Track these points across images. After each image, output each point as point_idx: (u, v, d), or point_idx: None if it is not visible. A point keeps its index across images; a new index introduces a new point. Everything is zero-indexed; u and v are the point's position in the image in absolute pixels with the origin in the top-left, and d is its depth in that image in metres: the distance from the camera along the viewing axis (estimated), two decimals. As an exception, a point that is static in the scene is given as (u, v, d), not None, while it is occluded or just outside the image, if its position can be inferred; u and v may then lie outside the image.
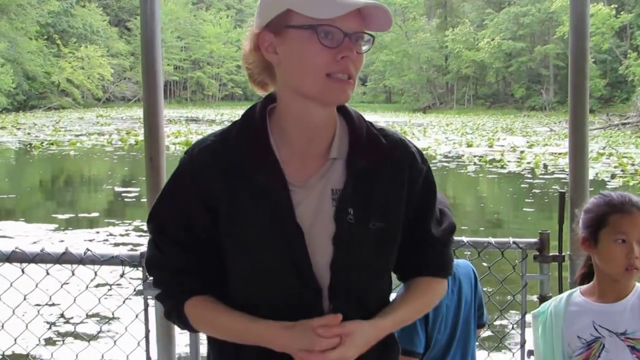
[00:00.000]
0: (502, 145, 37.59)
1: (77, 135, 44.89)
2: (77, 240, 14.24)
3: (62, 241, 14.04)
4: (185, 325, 2.33)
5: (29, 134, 46.81)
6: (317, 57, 2.10)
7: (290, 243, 2.16)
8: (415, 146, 2.38)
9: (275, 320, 2.17)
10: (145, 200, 4.09)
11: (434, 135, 46.15)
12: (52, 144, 38.52)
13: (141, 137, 37.03)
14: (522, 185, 23.28)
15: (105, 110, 79.54)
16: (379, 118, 74.30)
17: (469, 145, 38.10)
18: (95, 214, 18.48)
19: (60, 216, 17.69)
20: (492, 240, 3.94)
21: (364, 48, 2.18)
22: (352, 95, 2.21)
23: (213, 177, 2.21)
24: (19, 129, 51.78)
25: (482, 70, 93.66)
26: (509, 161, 29.92)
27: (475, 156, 31.85)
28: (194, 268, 2.27)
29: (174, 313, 2.33)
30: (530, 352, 3.93)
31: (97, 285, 6.88)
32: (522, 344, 4.02)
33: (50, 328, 4.79)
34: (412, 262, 2.38)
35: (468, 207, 20.68)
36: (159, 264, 2.31)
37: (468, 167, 28.18)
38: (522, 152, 33.34)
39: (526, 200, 20.84)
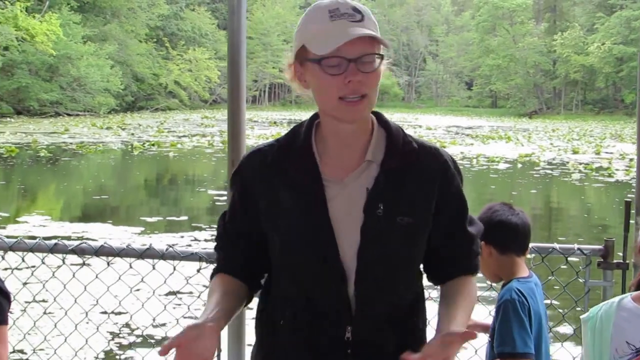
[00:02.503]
0: (610, 153, 36.71)
1: (179, 137, 45.29)
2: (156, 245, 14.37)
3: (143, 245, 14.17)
4: None
5: (132, 134, 47.43)
6: (328, 84, 2.36)
7: (320, 232, 2.42)
8: (450, 157, 2.56)
9: (309, 307, 2.46)
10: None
11: (539, 142, 45.41)
12: (153, 144, 38.90)
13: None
14: (630, 195, 22.40)
15: (211, 112, 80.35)
16: (483, 123, 73.61)
17: (575, 152, 37.36)
18: (184, 218, 18.29)
19: (148, 219, 17.71)
20: (556, 246, 3.95)
21: (374, 66, 2.37)
22: (368, 111, 2.44)
23: (256, 176, 2.53)
24: (124, 129, 52.54)
25: (591, 75, 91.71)
26: (616, 169, 29.08)
27: (580, 163, 31.10)
28: (229, 251, 2.62)
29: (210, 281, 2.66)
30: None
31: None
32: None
33: (131, 318, 4.99)
34: (451, 261, 2.56)
35: (572, 216, 20.25)
36: (216, 244, 2.68)
37: (572, 175, 27.49)
38: (631, 159, 31.99)
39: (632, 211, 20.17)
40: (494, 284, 3.77)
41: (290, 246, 2.48)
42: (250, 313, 2.98)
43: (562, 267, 4.10)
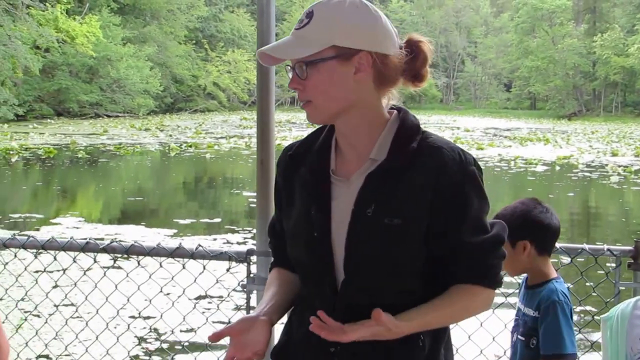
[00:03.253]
0: (651, 155, 36.38)
1: (217, 138, 45.38)
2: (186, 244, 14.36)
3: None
4: None
5: (170, 135, 47.64)
6: None
7: (317, 232, 2.43)
8: (458, 155, 2.40)
9: (309, 306, 2.47)
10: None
11: (577, 144, 45.05)
12: (190, 146, 39.02)
13: (279, 142, 37.59)
14: None
15: (249, 113, 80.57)
16: (522, 124, 73.27)
17: (614, 155, 37.02)
18: (217, 220, 18.05)
19: (181, 221, 17.49)
20: (586, 246, 3.92)
21: (305, 74, 2.38)
22: (317, 115, 2.45)
23: (283, 170, 2.62)
24: (162, 130, 52.85)
25: (631, 76, 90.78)
26: (657, 172, 28.77)
27: (619, 166, 30.82)
28: (279, 245, 2.67)
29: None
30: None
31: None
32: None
33: (161, 317, 5.02)
34: (446, 267, 2.41)
35: (610, 220, 19.99)
36: (269, 234, 2.78)
37: (611, 178, 27.23)
38: (672, 162, 32.08)
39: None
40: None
41: (292, 243, 2.54)
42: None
43: (599, 271, 4.06)
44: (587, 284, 4.47)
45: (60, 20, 62.55)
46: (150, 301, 4.69)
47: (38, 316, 7.43)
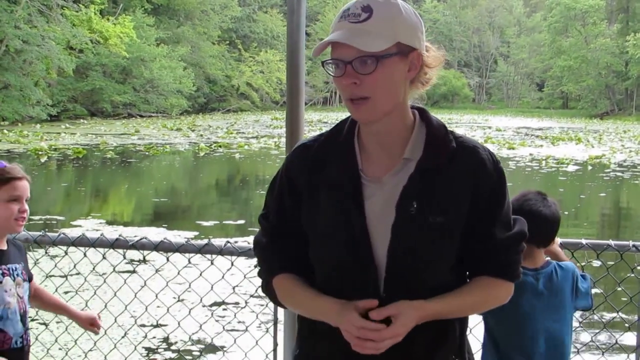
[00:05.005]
0: (683, 155, 36.07)
1: (248, 138, 45.34)
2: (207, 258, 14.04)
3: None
4: (274, 299, 2.67)
5: (201, 135, 47.64)
6: (337, 86, 2.40)
7: (353, 228, 2.41)
8: (489, 155, 2.49)
9: (341, 298, 2.42)
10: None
11: (610, 143, 44.84)
12: (220, 146, 39.35)
13: (308, 141, 37.49)
14: None
15: (281, 113, 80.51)
16: (553, 124, 72.84)
17: (647, 154, 36.79)
18: (241, 222, 17.85)
19: (204, 223, 17.23)
20: (611, 242, 3.95)
21: (369, 68, 2.33)
22: (371, 113, 2.39)
23: (299, 171, 2.55)
24: (193, 130, 52.87)
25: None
26: (688, 171, 28.49)
27: (652, 166, 30.57)
28: (283, 249, 2.59)
29: (266, 287, 2.66)
30: (647, 354, 3.96)
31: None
32: (638, 347, 4.02)
33: (190, 312, 5.08)
34: (474, 262, 2.50)
35: None
36: (260, 244, 2.66)
37: (643, 178, 27.06)
38: (702, 161, 31.80)
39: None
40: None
41: (325, 244, 2.48)
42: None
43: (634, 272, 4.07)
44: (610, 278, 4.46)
45: (94, 21, 62.94)
46: (178, 297, 4.76)
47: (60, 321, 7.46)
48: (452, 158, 2.44)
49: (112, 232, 15.03)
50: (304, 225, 2.55)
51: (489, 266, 2.50)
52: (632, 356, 4.16)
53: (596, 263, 4.13)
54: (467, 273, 2.56)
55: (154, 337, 8.00)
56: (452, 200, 2.41)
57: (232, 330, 8.13)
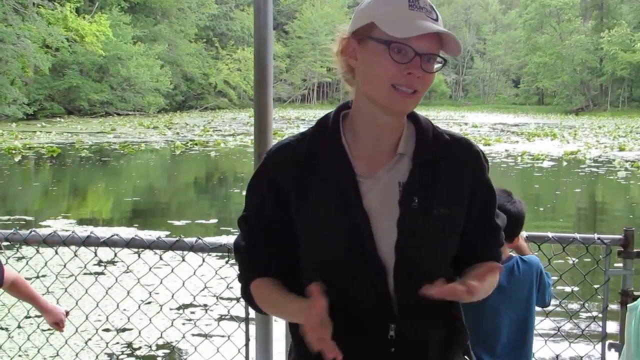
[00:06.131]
0: (658, 150, 36.25)
1: (224, 136, 45.22)
2: (176, 255, 13.89)
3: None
4: (252, 304, 2.58)
5: (178, 133, 47.52)
6: (386, 69, 2.28)
7: (356, 227, 2.33)
8: (479, 148, 2.54)
9: (346, 307, 2.35)
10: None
11: (585, 139, 45.05)
12: (196, 144, 39.21)
13: (285, 138, 37.44)
14: None
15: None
16: (529, 120, 73.11)
17: (621, 149, 37.01)
18: (213, 221, 17.57)
19: (175, 222, 16.98)
20: (577, 235, 3.99)
21: (436, 67, 2.34)
22: (414, 107, 2.39)
23: (285, 171, 2.43)
24: (170, 128, 52.69)
25: (638, 72, 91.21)
26: (664, 167, 28.72)
27: (627, 161, 30.86)
28: (263, 253, 2.49)
29: (244, 292, 2.57)
30: (612, 345, 4.00)
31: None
32: (603, 337, 4.06)
33: (161, 309, 5.10)
34: (474, 250, 2.52)
35: (617, 215, 19.82)
36: (239, 248, 2.56)
37: (618, 173, 27.18)
38: (678, 157, 31.91)
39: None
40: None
41: (325, 244, 2.39)
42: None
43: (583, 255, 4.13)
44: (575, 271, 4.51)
45: (70, 19, 62.77)
46: (150, 294, 4.78)
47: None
48: (448, 151, 2.45)
49: (79, 234, 14.96)
50: (296, 226, 2.45)
51: (488, 252, 2.55)
52: (599, 346, 4.20)
53: (571, 261, 4.16)
54: (461, 264, 2.54)
55: (120, 341, 8.01)
56: (453, 192, 2.43)
57: (205, 325, 8.11)
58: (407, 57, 2.26)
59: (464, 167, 2.46)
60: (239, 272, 2.59)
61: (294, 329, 2.51)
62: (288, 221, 2.44)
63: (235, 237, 2.59)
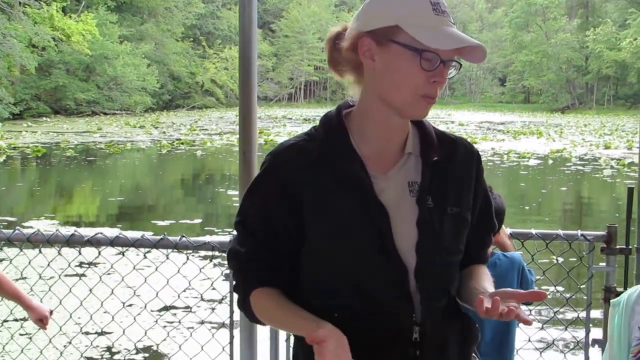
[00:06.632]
0: (642, 147, 36.37)
1: (211, 135, 45.12)
2: (161, 254, 13.73)
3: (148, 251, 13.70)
4: (250, 315, 2.44)
5: (164, 132, 47.37)
6: (414, 77, 2.23)
7: (376, 226, 2.28)
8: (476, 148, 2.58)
9: (366, 310, 2.29)
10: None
11: (571, 137, 45.19)
12: (182, 143, 38.98)
13: (272, 137, 37.37)
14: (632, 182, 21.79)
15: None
16: (515, 118, 73.29)
17: (607, 147, 37.08)
18: (198, 221, 17.42)
19: (160, 222, 16.78)
20: (560, 232, 3.99)
21: (452, 73, 2.33)
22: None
23: (297, 172, 2.34)
24: (156, 127, 52.53)
25: (623, 70, 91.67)
26: (649, 164, 28.70)
27: (612, 159, 30.88)
28: (266, 261, 2.37)
29: (243, 302, 2.44)
30: (595, 341, 4.01)
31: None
32: (587, 333, 4.07)
33: (145, 307, 5.09)
34: (473, 252, 2.53)
35: (603, 213, 19.88)
36: (237, 255, 2.42)
37: (604, 172, 27.15)
38: (664, 154, 31.86)
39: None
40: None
41: (347, 243, 2.30)
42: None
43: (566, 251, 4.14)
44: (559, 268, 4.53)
45: (56, 18, 62.68)
46: (134, 292, 4.76)
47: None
48: (454, 151, 2.46)
49: (67, 231, 14.88)
50: (310, 230, 2.35)
51: (482, 255, 2.59)
52: (582, 342, 4.21)
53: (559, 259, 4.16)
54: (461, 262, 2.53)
55: (103, 341, 7.99)
56: (461, 192, 2.43)
57: (189, 327, 8.10)
58: (433, 64, 2.23)
59: (468, 167, 2.47)
60: (235, 281, 2.47)
61: (302, 341, 2.32)
62: (294, 226, 2.34)
63: (222, 238, 2.55)
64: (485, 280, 2.44)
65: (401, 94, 2.26)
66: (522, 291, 2.21)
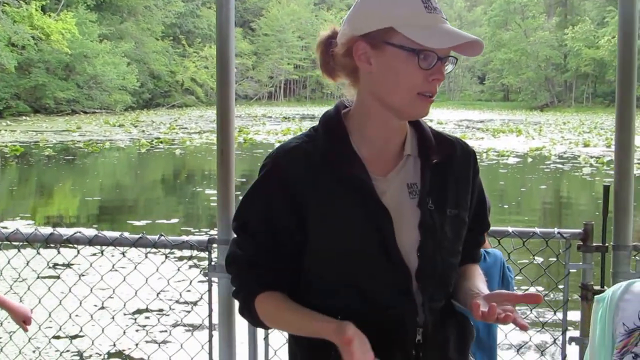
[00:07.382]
0: (621, 146, 36.50)
1: (190, 134, 45.00)
2: (139, 254, 13.73)
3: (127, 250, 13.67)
4: (255, 320, 2.41)
5: (143, 131, 47.16)
6: (412, 77, 2.23)
7: (379, 227, 2.27)
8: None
9: (362, 302, 2.29)
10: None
11: (550, 135, 45.32)
12: (161, 142, 38.85)
13: (251, 135, 37.30)
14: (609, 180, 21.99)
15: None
16: (495, 116, 73.55)
17: (586, 145, 37.14)
18: (175, 220, 17.26)
19: (136, 223, 16.61)
20: (537, 230, 4.01)
21: (449, 68, 2.32)
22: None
23: (300, 174, 2.32)
24: (136, 126, 52.34)
25: (602, 68, 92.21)
26: (627, 163, 28.75)
27: (592, 157, 30.89)
28: (268, 264, 2.35)
29: (246, 307, 2.41)
30: (572, 339, 4.03)
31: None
32: (564, 330, 4.10)
33: (124, 306, 5.09)
34: (470, 250, 2.55)
35: (582, 211, 19.76)
36: (237, 259, 2.41)
37: (583, 170, 27.16)
38: (644, 152, 31.97)
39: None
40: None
41: (351, 246, 2.30)
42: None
43: (543, 249, 4.16)
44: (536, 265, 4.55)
45: (35, 17, 62.53)
46: (114, 290, 4.76)
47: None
48: (452, 152, 2.46)
49: (45, 230, 14.74)
50: (313, 233, 2.33)
51: (475, 253, 2.61)
52: (559, 340, 4.24)
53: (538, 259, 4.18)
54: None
55: (82, 342, 7.97)
56: (459, 193, 2.44)
57: (164, 330, 8.10)
58: (430, 62, 2.22)
59: (465, 167, 2.48)
60: (235, 287, 2.45)
61: (302, 340, 2.38)
62: (296, 227, 2.33)
63: (200, 237, 2.52)
64: (480, 281, 2.46)
65: (400, 95, 2.26)
66: (518, 293, 2.22)
